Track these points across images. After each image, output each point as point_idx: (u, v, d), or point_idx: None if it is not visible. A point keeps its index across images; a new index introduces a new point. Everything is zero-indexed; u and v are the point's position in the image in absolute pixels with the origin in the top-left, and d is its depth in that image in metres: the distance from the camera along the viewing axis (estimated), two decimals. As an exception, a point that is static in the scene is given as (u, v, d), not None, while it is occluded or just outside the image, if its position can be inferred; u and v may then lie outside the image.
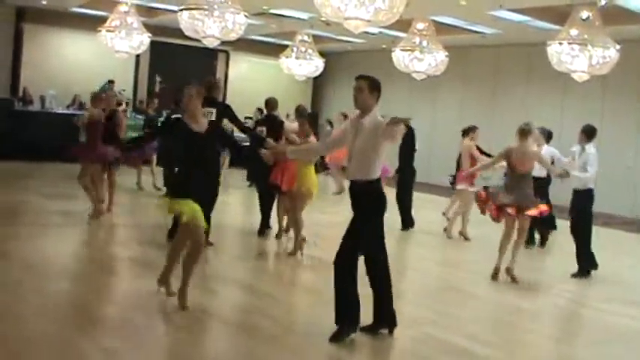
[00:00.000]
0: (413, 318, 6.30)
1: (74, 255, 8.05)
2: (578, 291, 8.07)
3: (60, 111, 16.83)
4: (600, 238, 12.49)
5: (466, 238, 10.82)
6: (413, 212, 11.54)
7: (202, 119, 5.98)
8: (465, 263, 9.56)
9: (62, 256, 7.80)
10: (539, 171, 9.30)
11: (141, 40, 15.50)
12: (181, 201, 5.66)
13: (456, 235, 10.87)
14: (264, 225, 9.61)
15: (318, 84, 23.49)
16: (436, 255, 9.91)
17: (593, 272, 8.75)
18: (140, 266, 7.47)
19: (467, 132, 10.96)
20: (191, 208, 5.63)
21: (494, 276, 8.00)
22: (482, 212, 8.34)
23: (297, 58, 17.98)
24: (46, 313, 5.46)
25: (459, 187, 10.94)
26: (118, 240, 9.12)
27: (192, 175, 5.76)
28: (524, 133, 8.08)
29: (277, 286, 7.40)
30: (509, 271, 8.01)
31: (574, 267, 8.67)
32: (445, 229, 11.04)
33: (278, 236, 9.38)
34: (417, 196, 12.34)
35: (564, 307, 7.56)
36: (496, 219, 8.12)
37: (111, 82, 18.47)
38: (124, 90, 18.64)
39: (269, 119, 10.06)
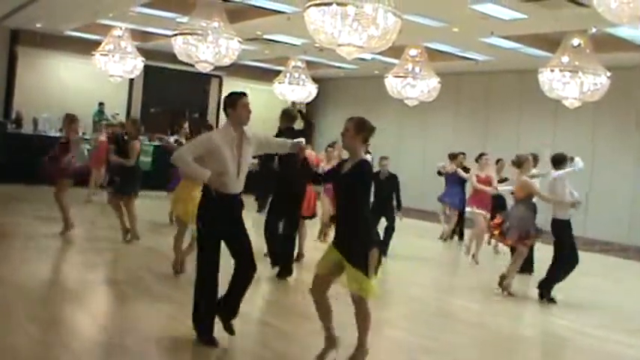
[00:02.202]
0: (405, 345, 6.26)
1: (67, 278, 7.99)
2: (573, 317, 8.02)
3: (53, 134, 16.79)
4: (597, 265, 12.52)
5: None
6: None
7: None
8: (455, 289, 9.54)
9: (55, 279, 7.74)
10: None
11: (134, 65, 15.58)
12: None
13: (476, 258, 11.05)
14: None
15: (311, 109, 23.56)
16: (427, 281, 9.88)
17: (590, 300, 8.87)
18: (134, 291, 7.40)
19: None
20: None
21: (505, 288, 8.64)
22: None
23: (290, 83, 18.10)
24: (40, 338, 5.40)
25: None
26: (113, 264, 9.04)
27: None
28: (514, 163, 8.89)
29: (272, 312, 7.34)
30: (503, 279, 8.65)
31: (570, 294, 8.64)
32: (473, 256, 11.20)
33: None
34: (408, 223, 12.32)
35: (559, 334, 7.52)
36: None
37: (101, 104, 18.55)
38: (117, 114, 18.66)
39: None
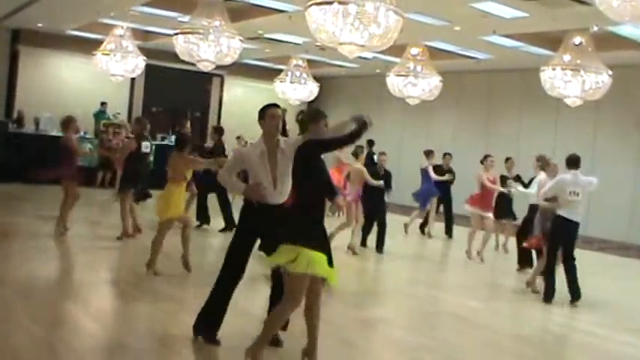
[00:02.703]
0: (407, 344, 6.25)
1: (68, 278, 7.99)
2: (573, 316, 8.02)
3: (54, 133, 16.77)
4: (597, 263, 12.53)
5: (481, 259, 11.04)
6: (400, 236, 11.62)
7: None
8: (454, 287, 9.52)
9: (56, 278, 7.74)
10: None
11: (136, 64, 15.56)
12: None
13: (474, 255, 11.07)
14: None
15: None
16: (425, 279, 9.86)
17: (591, 298, 8.80)
18: (135, 290, 7.40)
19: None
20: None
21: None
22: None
23: (291, 82, 18.10)
24: (41, 337, 5.41)
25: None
26: (114, 263, 9.05)
27: None
28: (540, 166, 9.48)
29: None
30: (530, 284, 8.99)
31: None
32: (477, 253, 11.16)
33: None
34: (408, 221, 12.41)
35: (560, 333, 7.51)
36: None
37: (103, 103, 18.53)
38: (118, 113, 18.66)
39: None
